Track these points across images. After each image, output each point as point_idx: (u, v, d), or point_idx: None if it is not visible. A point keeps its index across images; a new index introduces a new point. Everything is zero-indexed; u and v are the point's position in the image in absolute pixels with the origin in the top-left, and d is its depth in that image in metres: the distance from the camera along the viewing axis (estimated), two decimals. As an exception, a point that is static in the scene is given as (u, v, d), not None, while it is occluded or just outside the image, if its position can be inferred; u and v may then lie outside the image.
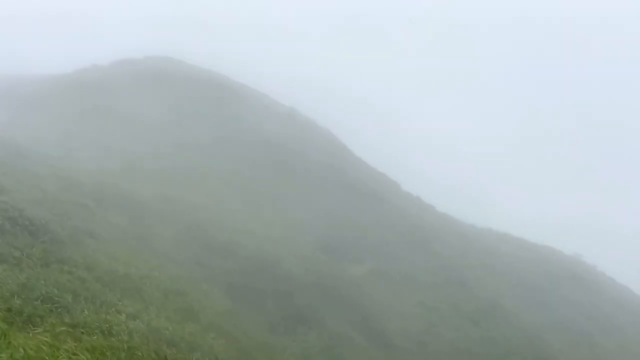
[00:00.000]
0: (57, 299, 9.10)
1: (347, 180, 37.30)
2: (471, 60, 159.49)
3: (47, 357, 6.00)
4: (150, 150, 24.58)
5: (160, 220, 18.70)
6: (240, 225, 20.93)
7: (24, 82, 40.85)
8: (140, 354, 7.30)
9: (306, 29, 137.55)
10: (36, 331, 7.27)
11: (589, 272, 40.66)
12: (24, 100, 30.74)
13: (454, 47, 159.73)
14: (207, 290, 15.37)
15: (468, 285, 27.55)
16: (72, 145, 20.94)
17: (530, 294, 30.50)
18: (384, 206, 34.63)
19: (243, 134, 38.19)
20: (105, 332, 8.11)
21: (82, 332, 7.67)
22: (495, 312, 26.09)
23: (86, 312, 8.91)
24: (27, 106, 27.69)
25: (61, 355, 6.21)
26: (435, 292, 25.26)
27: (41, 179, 16.47)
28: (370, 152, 52.53)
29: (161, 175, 22.40)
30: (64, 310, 8.76)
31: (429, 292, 25.06)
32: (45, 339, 6.66)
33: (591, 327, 29.99)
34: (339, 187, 34.10)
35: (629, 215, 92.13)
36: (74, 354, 6.31)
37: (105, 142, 22.81)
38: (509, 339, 24.17)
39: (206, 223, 19.78)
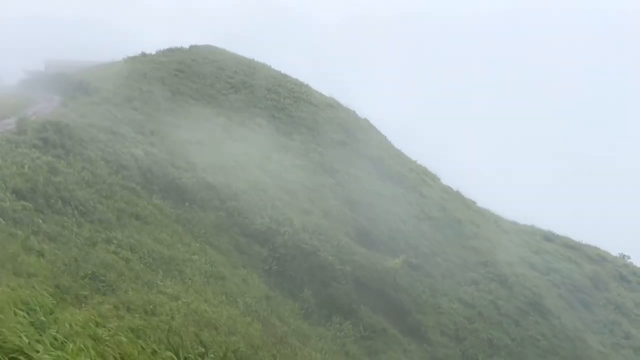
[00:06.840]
0: (103, 277, 9.50)
1: (386, 171, 36.98)
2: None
3: (92, 334, 6.27)
4: (193, 138, 25.10)
5: (202, 205, 19.12)
6: (279, 214, 21.14)
7: (77, 68, 42.44)
8: (180, 336, 7.52)
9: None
10: (83, 308, 7.62)
11: (635, 274, 38.98)
12: (76, 85, 31.93)
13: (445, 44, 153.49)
14: (245, 276, 15.66)
15: (509, 283, 26.94)
16: (120, 130, 21.62)
17: (573, 294, 29.56)
18: (422, 199, 34.18)
19: (287, 122, 38.39)
20: (149, 311, 8.41)
21: (127, 311, 7.98)
22: (536, 311, 25.45)
23: (130, 292, 9.25)
24: (79, 91, 28.77)
25: (105, 332, 6.48)
26: (474, 289, 24.84)
27: (91, 162, 17.11)
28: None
29: (204, 162, 22.85)
30: (109, 289, 9.14)
31: (467, 288, 24.66)
32: (92, 316, 6.96)
33: (636, 330, 28.84)
34: (377, 179, 33.87)
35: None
36: (118, 333, 6.57)
37: (151, 128, 23.45)
38: (549, 339, 23.58)
39: (246, 210, 20.09)
